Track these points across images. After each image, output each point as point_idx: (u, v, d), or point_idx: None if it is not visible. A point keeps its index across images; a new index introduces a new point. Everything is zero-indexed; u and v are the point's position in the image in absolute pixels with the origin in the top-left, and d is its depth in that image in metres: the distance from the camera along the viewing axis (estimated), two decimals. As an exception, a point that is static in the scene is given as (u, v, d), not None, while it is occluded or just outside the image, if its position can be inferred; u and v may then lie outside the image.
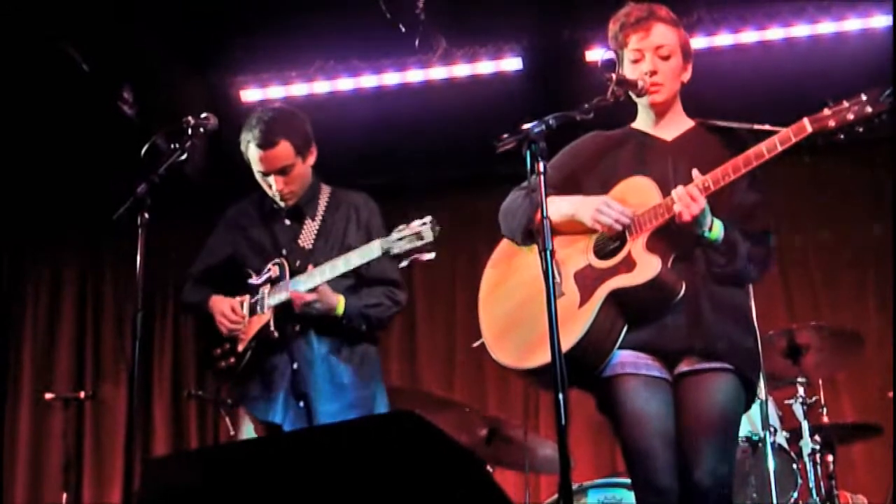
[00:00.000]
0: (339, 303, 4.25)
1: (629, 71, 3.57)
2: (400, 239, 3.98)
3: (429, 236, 3.94)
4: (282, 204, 4.42)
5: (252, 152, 4.31)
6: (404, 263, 4.01)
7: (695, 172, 3.36)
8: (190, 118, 3.94)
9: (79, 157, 7.11)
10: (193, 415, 7.72)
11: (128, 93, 6.51)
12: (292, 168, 4.33)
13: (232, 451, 3.32)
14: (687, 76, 3.65)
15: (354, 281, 4.34)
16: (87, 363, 7.86)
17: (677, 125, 3.67)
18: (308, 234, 4.41)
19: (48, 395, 6.87)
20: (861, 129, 3.26)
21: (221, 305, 4.38)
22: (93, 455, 7.67)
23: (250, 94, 6.77)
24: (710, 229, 3.36)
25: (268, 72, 6.74)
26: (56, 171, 7.29)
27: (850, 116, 3.24)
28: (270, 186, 4.37)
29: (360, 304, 4.31)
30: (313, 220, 4.43)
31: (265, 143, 4.27)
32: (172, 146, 3.89)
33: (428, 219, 3.98)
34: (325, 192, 4.51)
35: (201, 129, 3.95)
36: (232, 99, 6.70)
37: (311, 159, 4.42)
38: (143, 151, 3.86)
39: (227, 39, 6.42)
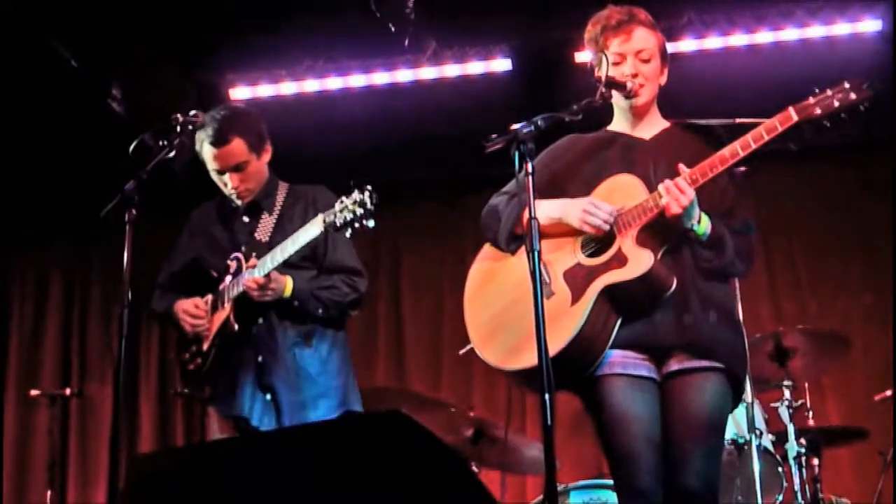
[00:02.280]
0: (287, 284, 4.25)
1: (611, 73, 3.57)
2: (342, 210, 3.96)
3: (369, 204, 3.92)
4: (238, 202, 4.44)
5: (206, 150, 4.33)
6: (348, 233, 3.99)
7: (681, 166, 3.37)
8: (179, 116, 3.97)
9: (67, 154, 7.10)
10: (180, 413, 7.70)
11: (117, 90, 6.51)
12: (247, 165, 4.35)
13: (217, 449, 3.31)
14: (664, 79, 3.65)
15: (315, 272, 4.36)
16: (74, 360, 7.85)
17: (654, 126, 3.67)
18: (265, 228, 4.42)
19: (34, 392, 6.85)
20: (845, 117, 3.27)
21: (185, 305, 4.41)
22: (78, 452, 7.65)
23: (239, 93, 6.76)
24: (699, 222, 3.36)
25: (257, 70, 6.74)
26: (44, 168, 7.27)
27: (836, 104, 3.27)
28: (226, 185, 4.39)
29: (310, 286, 4.30)
30: (270, 214, 4.45)
31: (218, 141, 4.29)
32: (161, 144, 3.91)
33: (367, 188, 3.94)
34: (283, 188, 4.52)
35: (190, 127, 3.98)
36: (221, 97, 6.68)
37: (266, 157, 4.44)
38: (131, 149, 3.87)
39: (217, 38, 6.41)
